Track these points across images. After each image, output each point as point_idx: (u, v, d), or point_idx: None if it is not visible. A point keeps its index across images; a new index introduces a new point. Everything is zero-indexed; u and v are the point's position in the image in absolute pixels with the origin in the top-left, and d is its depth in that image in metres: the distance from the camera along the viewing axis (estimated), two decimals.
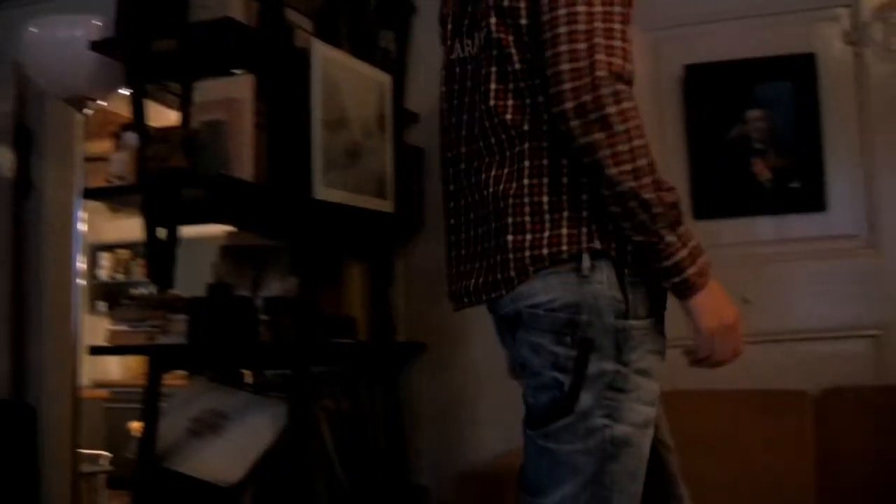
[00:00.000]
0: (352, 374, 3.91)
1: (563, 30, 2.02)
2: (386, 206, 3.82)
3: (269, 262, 3.69)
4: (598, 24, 2.01)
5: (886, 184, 3.81)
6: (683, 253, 2.02)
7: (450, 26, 2.38)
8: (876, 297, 3.79)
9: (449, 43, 2.38)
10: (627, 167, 1.99)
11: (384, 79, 3.87)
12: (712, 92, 4.03)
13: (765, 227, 3.96)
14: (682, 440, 3.61)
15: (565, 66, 2.00)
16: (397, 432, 3.99)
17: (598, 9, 2.02)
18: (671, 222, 2.02)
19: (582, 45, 2.00)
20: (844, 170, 3.87)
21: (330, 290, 3.77)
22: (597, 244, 2.08)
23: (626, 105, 1.98)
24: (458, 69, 2.32)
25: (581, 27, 2.01)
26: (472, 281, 2.25)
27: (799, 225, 3.91)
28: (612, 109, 1.98)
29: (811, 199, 3.89)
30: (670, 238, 2.02)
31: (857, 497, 3.38)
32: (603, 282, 2.08)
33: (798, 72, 3.94)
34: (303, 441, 3.43)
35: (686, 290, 2.05)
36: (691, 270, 2.03)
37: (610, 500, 2.12)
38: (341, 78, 3.57)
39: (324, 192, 3.43)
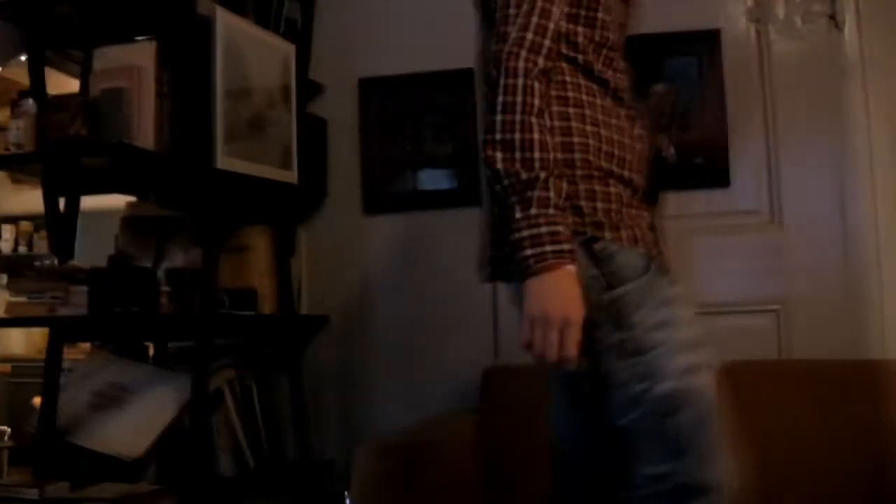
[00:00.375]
0: (256, 347, 3.88)
1: (499, 14, 2.16)
2: (289, 176, 3.79)
3: (172, 233, 3.65)
4: (537, 4, 2.12)
5: (788, 160, 3.84)
6: (525, 233, 2.04)
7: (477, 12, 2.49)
8: (778, 272, 3.82)
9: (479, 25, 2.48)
10: (497, 136, 2.08)
11: (289, 49, 3.84)
12: None
13: (668, 202, 3.97)
14: None
15: (496, 46, 2.13)
16: (301, 405, 3.97)
17: None
18: (522, 200, 2.05)
19: (510, 28, 2.12)
20: (747, 146, 3.89)
21: (233, 261, 3.73)
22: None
23: (521, 80, 2.07)
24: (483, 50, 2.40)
25: (511, 10, 2.14)
26: (479, 257, 2.43)
27: (702, 200, 3.92)
28: (505, 81, 2.09)
29: (714, 174, 3.91)
30: (517, 214, 2.05)
31: (759, 470, 3.41)
32: (578, 264, 2.10)
33: (703, 48, 3.95)
34: (206, 414, 3.40)
35: (523, 270, 2.06)
36: (528, 252, 2.04)
37: (687, 453, 2.15)
38: (245, 47, 3.54)
39: (226, 161, 3.40)
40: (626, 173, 2.24)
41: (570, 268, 2.04)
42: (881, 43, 3.78)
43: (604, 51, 2.25)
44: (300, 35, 4.09)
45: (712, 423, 2.16)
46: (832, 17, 3.82)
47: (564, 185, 2.09)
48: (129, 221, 3.76)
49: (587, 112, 2.21)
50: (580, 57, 2.23)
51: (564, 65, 2.22)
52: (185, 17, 3.39)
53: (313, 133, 4.11)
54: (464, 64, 4.11)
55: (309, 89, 4.12)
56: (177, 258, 3.58)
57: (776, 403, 3.45)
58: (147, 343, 3.82)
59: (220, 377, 3.56)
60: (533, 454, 3.63)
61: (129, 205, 3.80)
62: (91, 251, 3.73)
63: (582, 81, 2.23)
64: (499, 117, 2.09)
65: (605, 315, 2.14)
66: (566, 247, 2.04)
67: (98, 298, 3.37)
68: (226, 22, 3.43)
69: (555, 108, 2.19)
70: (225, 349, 3.68)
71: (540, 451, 3.63)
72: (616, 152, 2.23)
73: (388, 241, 4.21)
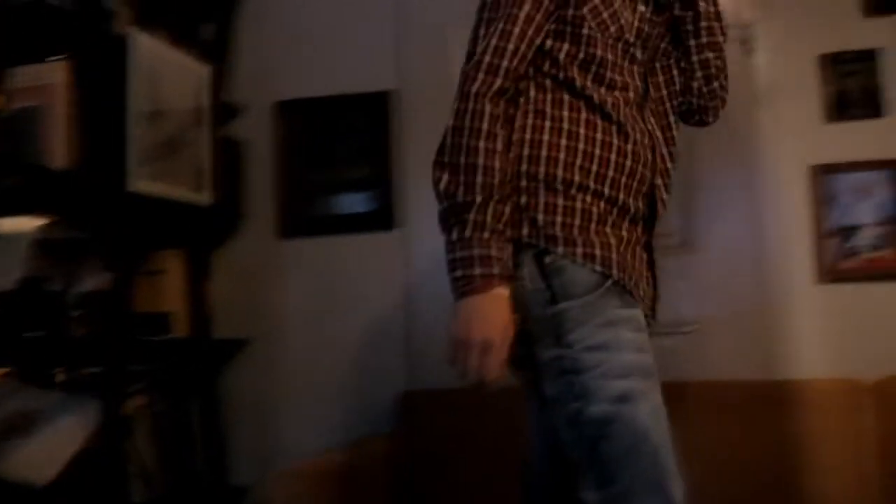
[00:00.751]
0: (170, 371, 3.83)
1: (471, 35, 2.25)
2: (204, 199, 3.75)
3: (84, 256, 3.59)
4: (499, 26, 2.18)
5: (702, 184, 3.87)
6: (457, 255, 2.08)
7: None
8: (692, 295, 3.84)
9: None
10: (444, 158, 2.14)
11: (205, 70, 3.81)
12: None
13: None
14: (505, 437, 3.64)
15: (462, 67, 2.20)
16: (215, 430, 3.92)
17: (503, 12, 2.19)
18: (458, 222, 2.09)
19: (479, 47, 2.19)
20: None
21: (147, 284, 3.69)
22: (517, 234, 2.16)
23: (471, 104, 2.13)
24: None
25: (481, 31, 2.22)
26: None
27: None
28: (457, 105, 2.15)
29: None
30: (453, 236, 2.09)
31: None
32: (524, 277, 2.14)
33: None
34: (117, 441, 3.34)
35: (453, 290, 2.10)
36: (457, 273, 2.08)
37: (616, 480, 2.10)
38: (160, 67, 3.50)
39: (140, 183, 3.35)
40: (606, 190, 2.22)
41: (499, 291, 2.06)
42: (793, 69, 3.84)
43: (592, 67, 2.25)
44: (217, 57, 4.06)
45: (645, 455, 2.09)
46: (744, 42, 3.87)
47: (507, 210, 2.12)
48: (40, 244, 3.69)
49: (566, 126, 2.22)
50: (561, 74, 2.24)
51: (547, 81, 2.25)
52: (100, 37, 3.36)
53: (229, 155, 4.08)
54: (381, 87, 4.11)
55: (225, 111, 4.09)
56: (89, 281, 3.52)
57: (691, 424, 3.47)
58: (57, 368, 3.75)
59: (132, 402, 3.51)
60: (446, 477, 3.65)
61: (40, 227, 3.73)
62: (3, 272, 3.66)
63: (565, 97, 2.24)
64: (447, 140, 2.14)
65: (546, 329, 2.13)
66: (496, 270, 2.05)
67: (6, 322, 3.31)
68: (141, 42, 3.39)
69: (529, 122, 2.22)
70: (138, 374, 3.62)
71: (453, 473, 3.65)
72: (594, 168, 2.21)
73: (303, 264, 4.19)
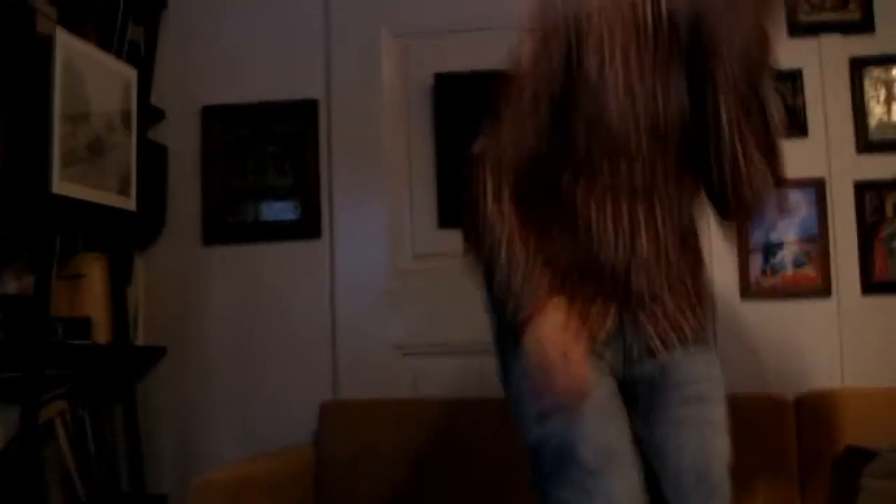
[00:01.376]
0: (90, 378, 3.78)
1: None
2: (127, 203, 3.70)
3: (4, 259, 3.53)
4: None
5: None
6: (503, 296, 2.16)
7: None
8: None
9: None
10: (470, 236, 2.26)
11: (130, 73, 3.76)
12: (462, 101, 4.03)
13: None
14: (428, 447, 3.63)
15: None
16: (135, 438, 3.87)
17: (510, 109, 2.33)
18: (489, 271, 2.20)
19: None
20: None
21: (68, 288, 3.63)
22: None
23: (484, 207, 2.20)
24: None
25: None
26: None
27: None
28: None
29: None
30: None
31: None
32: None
33: None
34: (36, 447, 3.29)
35: (516, 332, 2.14)
36: (514, 318, 2.13)
37: (550, 494, 2.16)
38: (85, 69, 3.45)
39: (62, 186, 3.30)
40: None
41: (550, 308, 2.11)
42: None
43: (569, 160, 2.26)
44: (143, 60, 4.03)
45: (573, 469, 2.12)
46: None
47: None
48: None
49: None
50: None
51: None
52: (23, 36, 3.30)
53: (153, 160, 4.04)
54: (307, 94, 4.09)
55: (150, 115, 4.05)
56: (9, 284, 3.47)
57: None
58: None
59: (51, 408, 3.46)
60: (368, 487, 3.63)
61: None
62: None
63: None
64: (465, 216, 2.27)
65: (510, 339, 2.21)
66: (539, 295, 2.13)
67: None
68: (65, 43, 3.35)
69: None
70: (57, 379, 3.57)
71: (376, 483, 3.63)
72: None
73: (227, 271, 4.16)
